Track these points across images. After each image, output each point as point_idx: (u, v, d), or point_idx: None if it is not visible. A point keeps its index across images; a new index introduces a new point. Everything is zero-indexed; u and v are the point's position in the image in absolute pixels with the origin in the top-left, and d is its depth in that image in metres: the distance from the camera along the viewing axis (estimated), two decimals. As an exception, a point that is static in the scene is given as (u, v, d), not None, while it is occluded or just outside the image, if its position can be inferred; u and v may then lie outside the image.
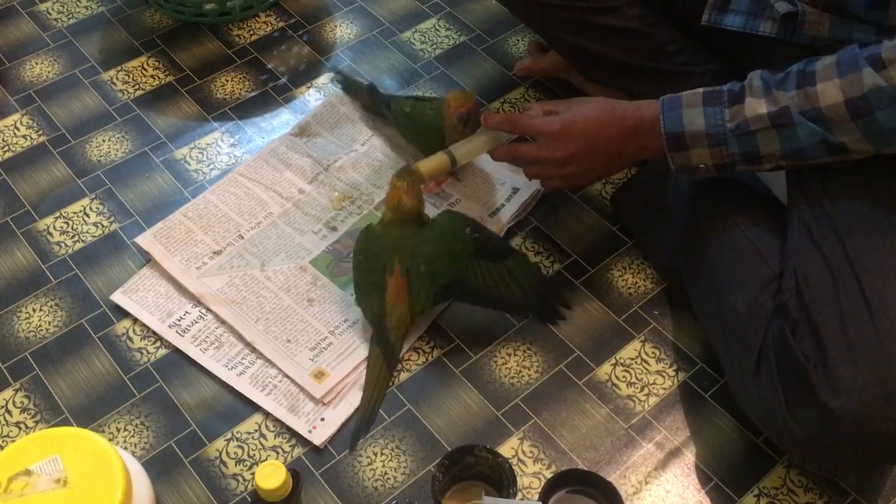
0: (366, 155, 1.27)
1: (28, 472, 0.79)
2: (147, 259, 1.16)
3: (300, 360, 1.06)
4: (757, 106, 0.90)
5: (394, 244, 1.06)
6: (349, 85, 1.35)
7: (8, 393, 1.05)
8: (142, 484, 0.85)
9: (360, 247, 1.09)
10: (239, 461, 1.00)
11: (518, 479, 0.92)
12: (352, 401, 1.03)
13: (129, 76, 1.39)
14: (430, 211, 1.20)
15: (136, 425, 1.02)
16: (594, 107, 1.01)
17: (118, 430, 1.02)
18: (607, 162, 1.02)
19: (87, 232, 1.20)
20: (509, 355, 1.08)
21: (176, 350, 1.08)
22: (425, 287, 1.04)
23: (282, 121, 1.33)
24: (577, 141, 1.00)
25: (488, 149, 1.11)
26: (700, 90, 0.94)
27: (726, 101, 0.92)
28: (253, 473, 0.97)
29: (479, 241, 1.05)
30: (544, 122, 1.02)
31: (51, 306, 1.12)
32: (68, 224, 1.21)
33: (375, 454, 1.00)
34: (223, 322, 1.09)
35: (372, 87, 1.30)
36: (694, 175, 0.97)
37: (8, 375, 1.06)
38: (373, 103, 1.30)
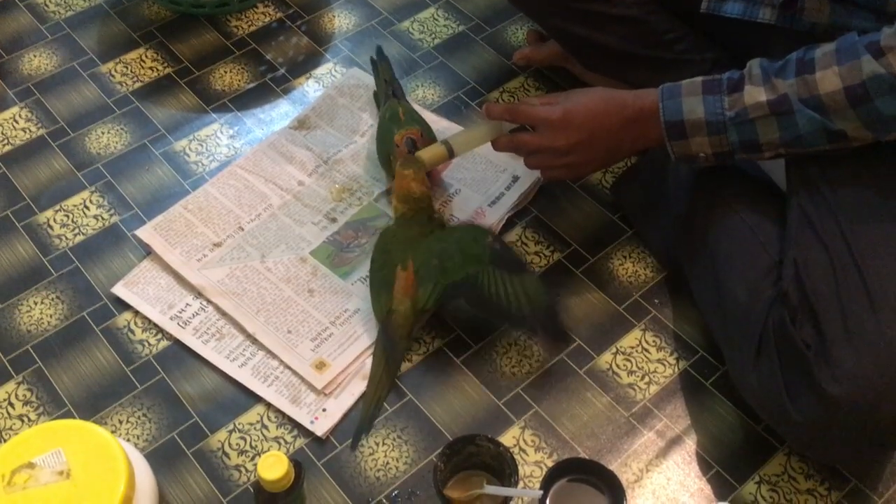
0: (365, 147, 1.27)
1: (31, 465, 0.79)
2: (147, 251, 1.16)
3: (301, 350, 1.06)
4: (756, 94, 0.90)
5: (408, 242, 1.06)
6: (383, 65, 1.33)
7: (10, 386, 1.05)
8: (144, 476, 0.85)
9: (376, 247, 1.10)
10: (241, 452, 1.00)
11: (519, 468, 0.92)
12: (353, 391, 1.03)
13: (127, 68, 1.39)
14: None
15: (139, 417, 1.03)
16: (594, 96, 1.01)
17: (121, 422, 1.02)
18: (608, 151, 1.02)
19: (88, 225, 1.20)
20: (510, 345, 1.08)
21: (177, 342, 1.08)
22: (432, 280, 1.04)
23: (281, 112, 1.33)
24: (577, 130, 1.00)
25: (488, 139, 1.11)
26: (699, 79, 0.94)
27: (725, 89, 0.92)
28: (255, 464, 0.97)
29: (497, 252, 1.03)
30: (545, 111, 1.02)
31: (52, 299, 1.13)
32: (68, 217, 1.21)
33: (377, 444, 1.00)
34: (224, 314, 1.10)
35: (394, 79, 1.30)
36: (694, 164, 0.97)
37: (10, 368, 1.07)
38: (383, 92, 1.28)
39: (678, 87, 0.95)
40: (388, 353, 1.04)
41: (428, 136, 1.17)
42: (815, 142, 0.90)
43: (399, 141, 1.14)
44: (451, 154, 1.11)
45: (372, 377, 1.03)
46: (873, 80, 0.83)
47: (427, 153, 1.10)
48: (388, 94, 1.26)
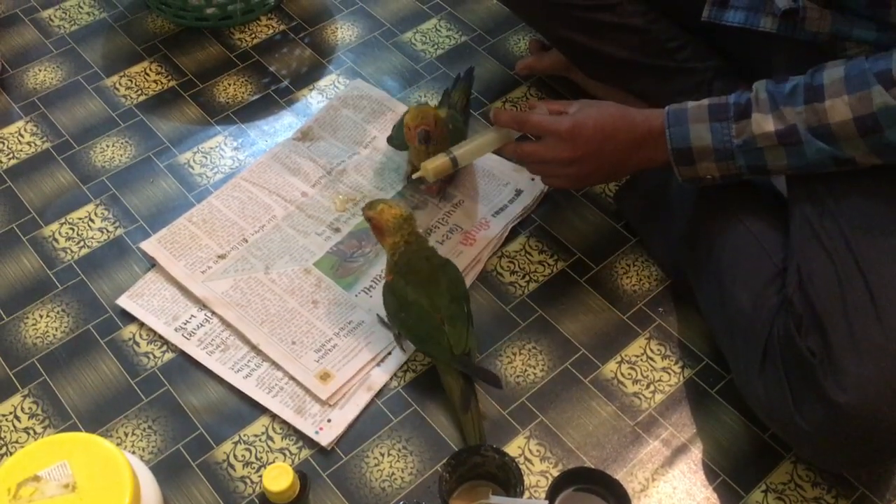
0: (368, 157, 1.27)
1: (37, 478, 0.80)
2: (152, 264, 1.16)
3: (306, 361, 1.06)
4: (764, 122, 0.90)
5: (424, 284, 1.01)
6: (462, 85, 1.31)
7: (16, 399, 1.06)
8: (150, 488, 0.85)
9: (395, 304, 1.03)
10: (246, 464, 1.00)
11: (525, 477, 0.92)
12: (358, 401, 1.03)
13: (131, 81, 1.39)
14: (434, 209, 1.20)
15: (144, 429, 1.03)
16: (605, 112, 1.00)
17: (126, 434, 1.02)
18: (612, 167, 1.02)
19: (93, 237, 1.20)
20: (514, 354, 1.08)
21: (182, 353, 1.08)
22: (466, 326, 1.01)
23: (284, 123, 1.33)
24: (584, 144, 1.00)
25: (492, 148, 1.11)
26: (706, 102, 0.94)
27: (732, 115, 0.92)
28: (261, 476, 0.97)
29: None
30: (553, 121, 1.01)
31: (57, 312, 1.13)
32: (73, 230, 1.21)
33: (382, 455, 1.00)
34: (229, 325, 1.10)
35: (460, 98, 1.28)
36: (700, 184, 0.98)
37: (16, 382, 1.07)
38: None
39: (684, 111, 0.95)
40: (478, 374, 1.01)
41: (444, 125, 1.13)
42: (823, 167, 0.90)
43: (412, 129, 1.11)
44: (454, 164, 1.11)
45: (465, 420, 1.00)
46: (884, 111, 0.84)
47: (432, 164, 1.10)
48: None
